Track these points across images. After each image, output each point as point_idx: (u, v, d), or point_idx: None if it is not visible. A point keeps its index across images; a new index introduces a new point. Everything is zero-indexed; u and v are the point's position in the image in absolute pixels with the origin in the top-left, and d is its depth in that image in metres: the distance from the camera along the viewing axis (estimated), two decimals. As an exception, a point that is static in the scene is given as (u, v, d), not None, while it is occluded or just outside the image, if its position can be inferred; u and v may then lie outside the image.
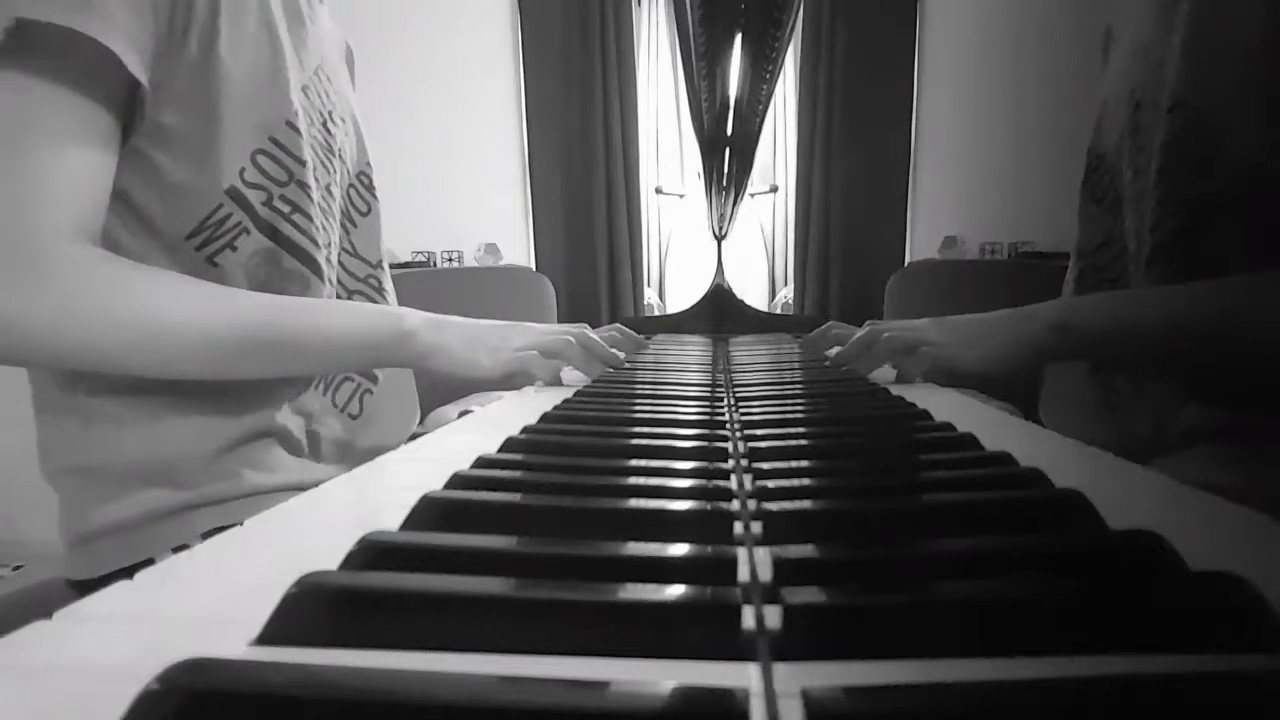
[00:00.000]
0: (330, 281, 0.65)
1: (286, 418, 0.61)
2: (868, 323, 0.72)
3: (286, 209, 0.59)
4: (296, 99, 0.60)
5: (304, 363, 0.61)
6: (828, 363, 0.77)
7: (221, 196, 0.55)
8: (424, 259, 2.68)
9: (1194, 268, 0.56)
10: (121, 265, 0.52)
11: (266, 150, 0.58)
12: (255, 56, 0.57)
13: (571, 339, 0.68)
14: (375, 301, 0.73)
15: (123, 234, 0.54)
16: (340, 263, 0.70)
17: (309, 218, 0.61)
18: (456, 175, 2.67)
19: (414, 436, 0.80)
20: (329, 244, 0.65)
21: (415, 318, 0.63)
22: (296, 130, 0.60)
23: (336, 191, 0.68)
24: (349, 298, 0.71)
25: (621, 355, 0.79)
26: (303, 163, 0.60)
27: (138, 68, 0.49)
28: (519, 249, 2.73)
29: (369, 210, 0.73)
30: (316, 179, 0.63)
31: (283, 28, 0.60)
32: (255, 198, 0.57)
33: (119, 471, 0.55)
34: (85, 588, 0.46)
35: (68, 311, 0.48)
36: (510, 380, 0.67)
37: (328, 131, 0.66)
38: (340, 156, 0.68)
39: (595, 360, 0.70)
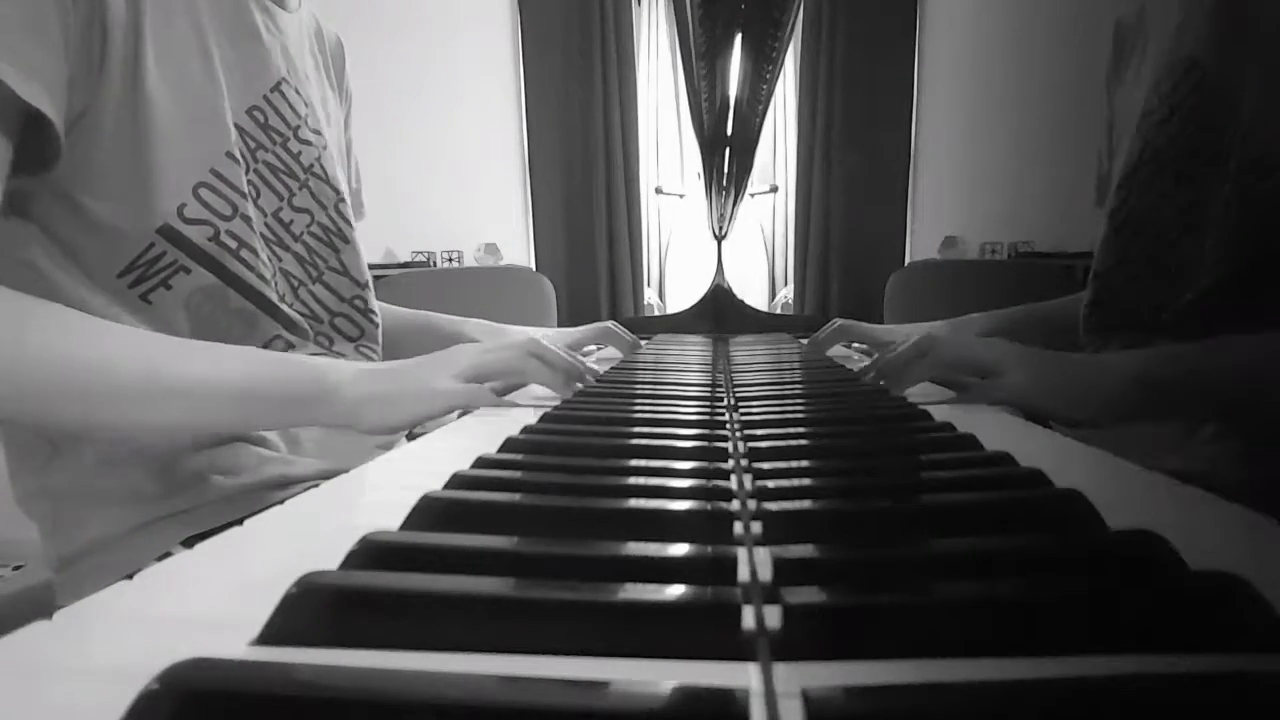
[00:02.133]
0: (285, 315, 0.61)
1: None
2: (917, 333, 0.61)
3: (234, 244, 0.57)
4: (234, 126, 0.58)
5: (204, 418, 0.52)
6: (870, 373, 0.64)
7: (153, 236, 0.53)
8: (424, 259, 2.68)
9: (1266, 300, 0.54)
10: (18, 299, 0.46)
11: (209, 184, 0.56)
12: (188, 87, 0.55)
13: (525, 353, 0.58)
14: (358, 324, 0.70)
15: (53, 270, 0.51)
16: (326, 283, 0.68)
17: (255, 252, 0.59)
18: (457, 175, 2.67)
19: (414, 436, 0.80)
20: (275, 273, 0.62)
21: (342, 371, 0.54)
22: (236, 160, 0.58)
23: (293, 214, 0.65)
24: (330, 321, 0.69)
25: (592, 364, 0.70)
26: (243, 195, 0.58)
27: (41, 99, 0.45)
28: (519, 249, 2.74)
29: (352, 230, 0.71)
30: (260, 207, 0.61)
31: (219, 54, 0.58)
32: (199, 234, 0.55)
33: (82, 494, 0.54)
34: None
35: None
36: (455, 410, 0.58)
37: (288, 150, 0.63)
38: (314, 173, 0.66)
39: (558, 372, 0.59)
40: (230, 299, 0.57)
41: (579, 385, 0.61)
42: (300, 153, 0.65)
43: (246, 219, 0.58)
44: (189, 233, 0.54)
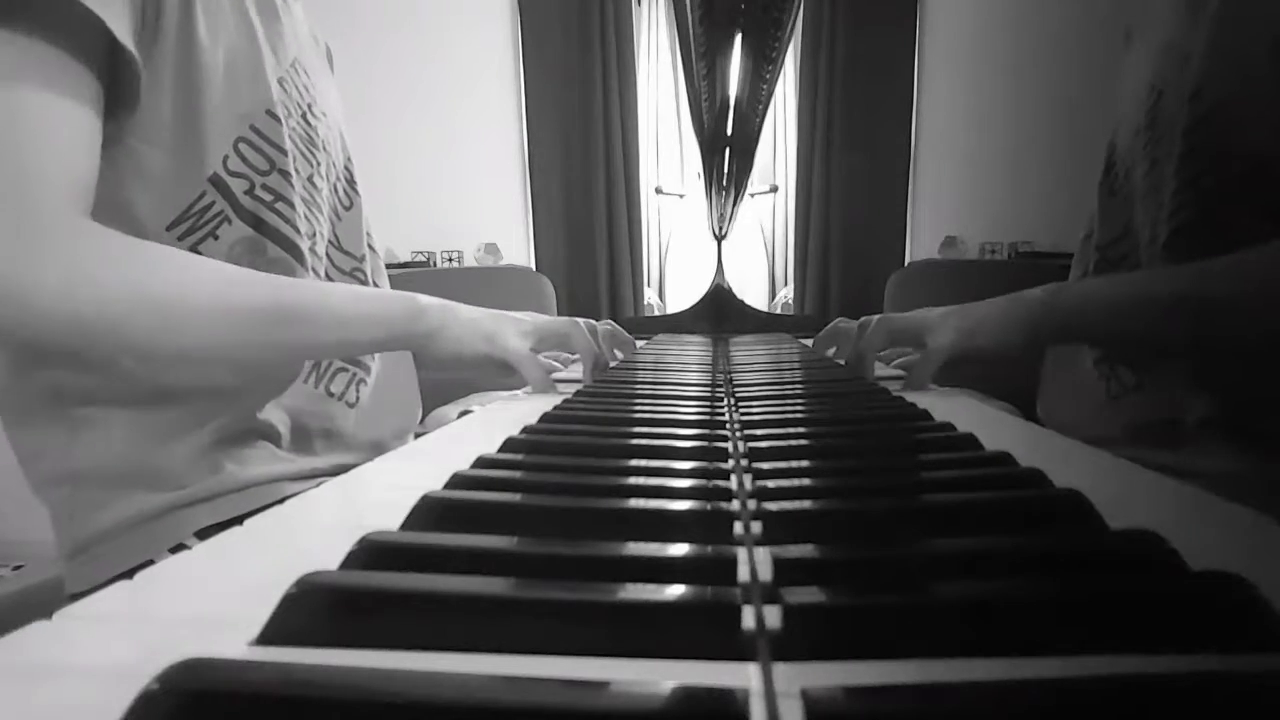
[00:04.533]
0: (316, 272, 0.65)
1: (269, 413, 0.61)
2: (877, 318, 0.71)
3: (269, 198, 0.59)
4: (275, 88, 0.60)
5: (317, 339, 0.58)
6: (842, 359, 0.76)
7: (205, 184, 0.55)
8: (424, 259, 2.68)
9: (1210, 254, 0.56)
10: (130, 240, 0.50)
11: (248, 139, 0.58)
12: (233, 44, 0.57)
13: (580, 323, 0.70)
14: None
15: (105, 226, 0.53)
16: (327, 255, 0.70)
17: (292, 205, 0.61)
18: (457, 175, 2.67)
19: (414, 436, 0.80)
20: (314, 234, 0.65)
21: (425, 298, 0.63)
22: (276, 119, 0.60)
23: (322, 184, 0.67)
24: None
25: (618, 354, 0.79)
26: (284, 151, 0.60)
27: (125, 35, 0.48)
28: (519, 249, 2.73)
29: (351, 205, 0.74)
30: (297, 169, 0.63)
31: (256, 18, 0.60)
32: (237, 186, 0.57)
33: (102, 477, 0.55)
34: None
35: (78, 284, 0.47)
36: (503, 373, 0.66)
37: (307, 124, 0.66)
38: (324, 149, 0.68)
39: (594, 349, 0.70)
40: (268, 249, 0.59)
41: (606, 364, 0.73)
42: (316, 127, 0.67)
43: (284, 173, 0.60)
44: (231, 184, 0.57)
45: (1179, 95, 0.60)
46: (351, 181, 0.74)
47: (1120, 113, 0.71)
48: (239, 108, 0.57)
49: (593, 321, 0.74)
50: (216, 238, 0.57)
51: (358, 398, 0.69)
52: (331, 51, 0.82)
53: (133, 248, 0.50)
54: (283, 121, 0.60)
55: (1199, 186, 0.57)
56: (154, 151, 0.53)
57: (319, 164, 0.67)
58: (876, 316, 0.68)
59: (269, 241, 0.59)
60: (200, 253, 0.56)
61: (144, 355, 0.53)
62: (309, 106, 0.66)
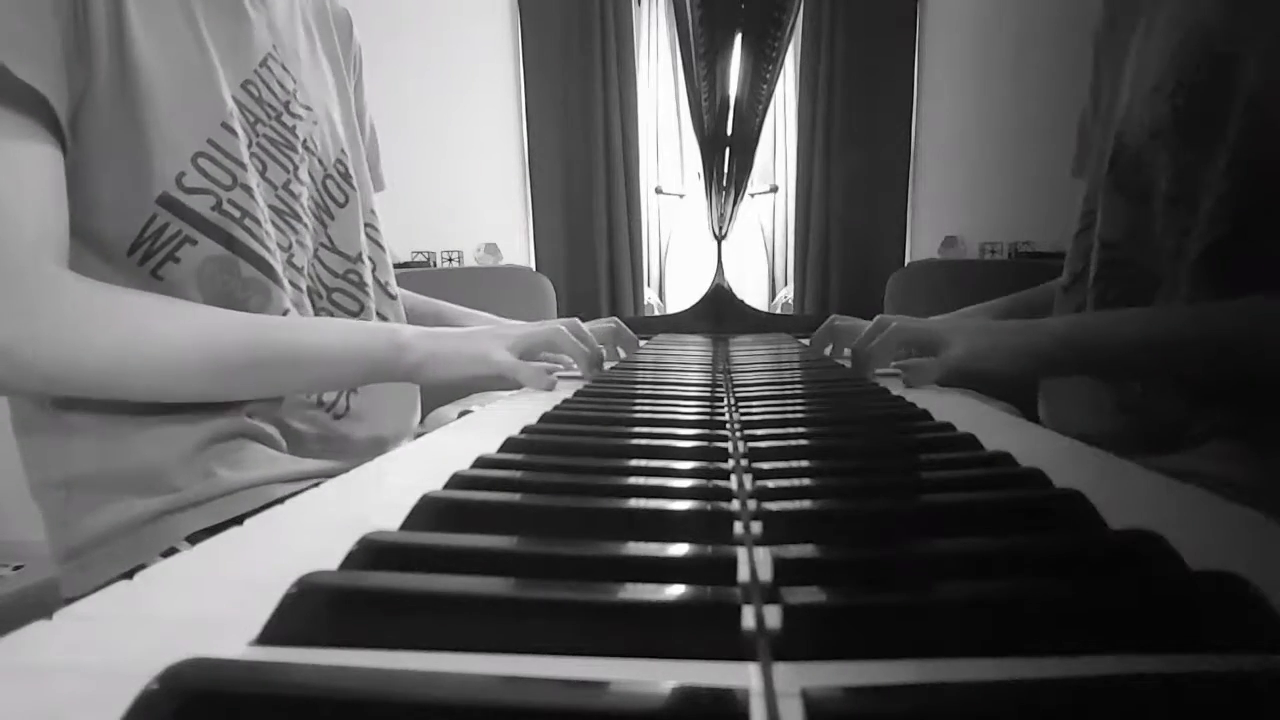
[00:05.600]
0: (293, 286, 0.63)
1: (259, 419, 0.60)
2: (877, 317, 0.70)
3: (237, 214, 0.57)
4: (230, 98, 0.58)
5: (300, 380, 0.60)
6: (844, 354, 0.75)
7: (154, 207, 0.53)
8: (424, 259, 2.68)
9: (1253, 268, 0.55)
10: (110, 289, 0.51)
11: (206, 153, 0.56)
12: (178, 56, 0.55)
13: (562, 328, 0.69)
14: (356, 298, 0.72)
15: (73, 258, 0.52)
16: (317, 258, 0.68)
17: (258, 222, 0.59)
18: (456, 175, 2.67)
19: (414, 436, 0.80)
20: (290, 245, 0.63)
21: (408, 332, 0.63)
22: (233, 132, 0.58)
23: (301, 189, 0.65)
24: (328, 296, 0.69)
25: (606, 349, 0.79)
26: (243, 165, 0.58)
27: (36, 79, 0.47)
28: (519, 249, 2.74)
29: (346, 201, 0.71)
30: (269, 180, 0.62)
31: (205, 24, 0.58)
32: (201, 203, 0.55)
33: (94, 483, 0.55)
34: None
35: (62, 338, 0.48)
36: (502, 381, 0.66)
37: (283, 124, 0.64)
38: (307, 147, 0.66)
39: (584, 348, 0.69)
40: (241, 268, 0.58)
41: (600, 367, 0.72)
42: (295, 126, 0.65)
43: (247, 189, 0.58)
44: (190, 202, 0.55)
45: (1220, 97, 0.58)
46: (346, 176, 0.71)
47: (1123, 101, 0.69)
48: (192, 122, 0.55)
49: (576, 321, 0.73)
50: (178, 260, 0.54)
51: (348, 408, 0.68)
52: (349, 16, 0.80)
53: (113, 299, 0.50)
54: (240, 134, 0.58)
55: (1250, 197, 0.56)
56: (102, 175, 0.52)
57: (296, 167, 0.65)
58: (892, 322, 0.67)
59: (241, 260, 0.57)
60: (161, 278, 0.54)
61: (129, 400, 0.54)
62: (286, 105, 0.64)
